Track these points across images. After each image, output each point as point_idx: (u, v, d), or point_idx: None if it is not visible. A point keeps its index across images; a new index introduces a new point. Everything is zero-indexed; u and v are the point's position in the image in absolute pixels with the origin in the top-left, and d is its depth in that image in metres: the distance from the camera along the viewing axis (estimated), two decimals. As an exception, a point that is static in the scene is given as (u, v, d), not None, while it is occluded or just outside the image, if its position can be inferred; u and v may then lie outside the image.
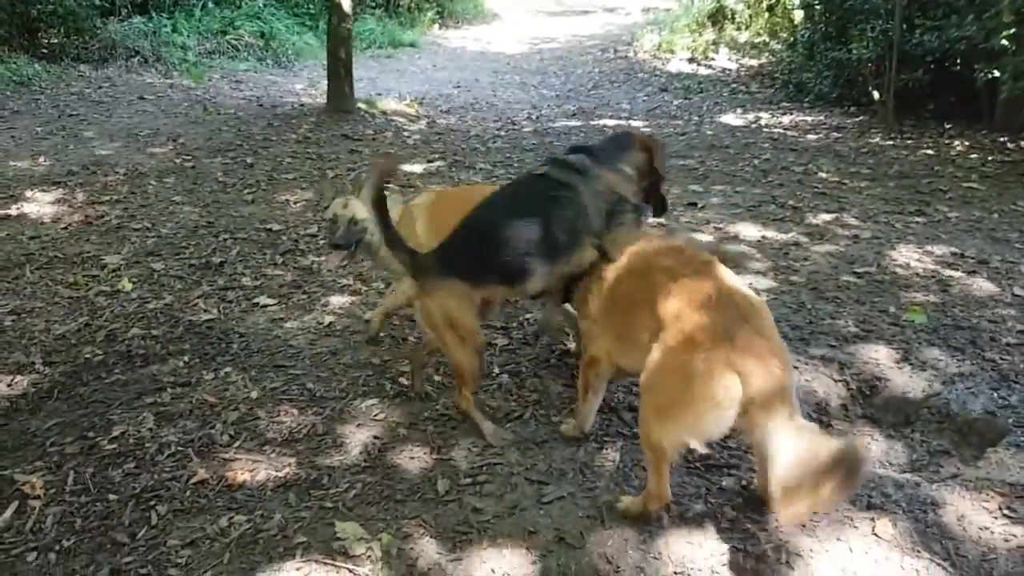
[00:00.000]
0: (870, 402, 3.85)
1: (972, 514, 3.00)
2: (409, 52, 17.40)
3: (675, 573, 2.74)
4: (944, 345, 4.25)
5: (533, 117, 11.38)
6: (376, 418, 3.65)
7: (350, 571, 2.72)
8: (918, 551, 2.80)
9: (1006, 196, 6.97)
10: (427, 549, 2.82)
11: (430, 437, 3.51)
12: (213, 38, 14.32)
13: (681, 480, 3.20)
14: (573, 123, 11.01)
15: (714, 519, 2.98)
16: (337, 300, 4.97)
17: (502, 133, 10.31)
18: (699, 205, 6.93)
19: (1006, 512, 3.04)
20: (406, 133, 9.96)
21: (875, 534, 2.88)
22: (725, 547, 2.83)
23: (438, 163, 8.49)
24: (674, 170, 8.12)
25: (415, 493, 3.13)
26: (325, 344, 4.40)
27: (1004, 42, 8.30)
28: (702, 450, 2.81)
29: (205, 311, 4.81)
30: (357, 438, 3.50)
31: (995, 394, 3.76)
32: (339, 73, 10.56)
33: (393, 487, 3.17)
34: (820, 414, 3.76)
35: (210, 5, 14.69)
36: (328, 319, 4.70)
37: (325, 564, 2.75)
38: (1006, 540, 2.88)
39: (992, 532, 2.93)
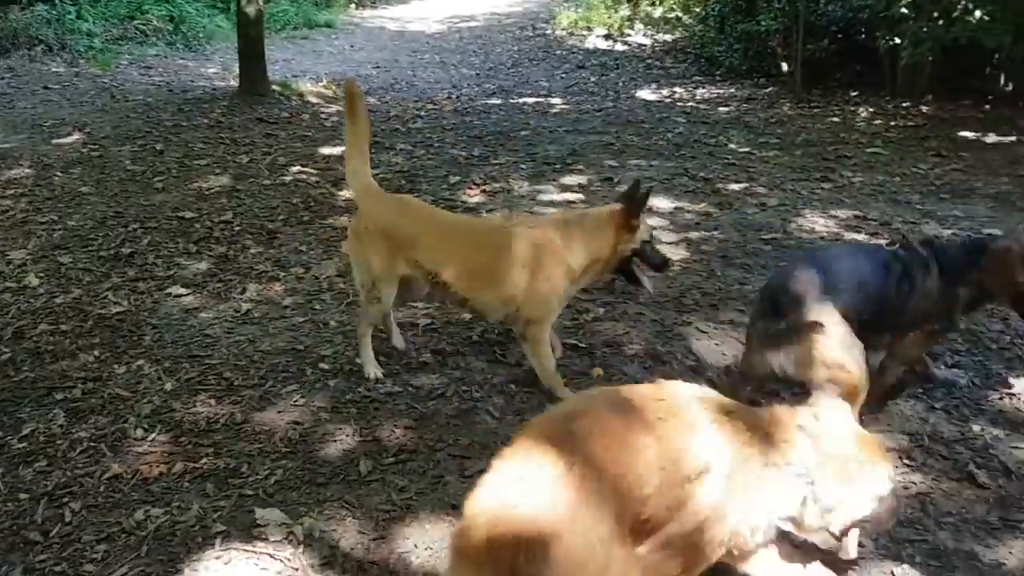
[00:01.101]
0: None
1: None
2: (326, 33, 17.09)
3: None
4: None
5: (453, 96, 11.32)
6: (296, 404, 3.63)
7: (271, 556, 2.71)
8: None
9: (907, 160, 7.28)
10: (350, 530, 2.84)
11: (352, 419, 3.51)
12: (120, 24, 13.77)
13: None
14: (493, 101, 11.01)
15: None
16: (255, 287, 4.90)
17: (422, 113, 10.24)
18: (615, 180, 7.03)
19: (906, 461, 3.22)
20: (323, 115, 9.80)
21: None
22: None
23: (357, 145, 8.38)
24: (591, 146, 8.22)
25: (337, 476, 3.14)
26: (243, 332, 4.34)
27: (904, 10, 8.62)
28: None
29: (116, 304, 4.69)
30: (277, 425, 3.48)
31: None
32: (251, 55, 10.31)
33: (314, 471, 3.17)
34: (726, 372, 3.90)
35: (116, -11, 14.16)
36: (246, 307, 4.63)
37: (245, 551, 2.74)
38: (906, 488, 3.05)
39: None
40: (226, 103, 9.90)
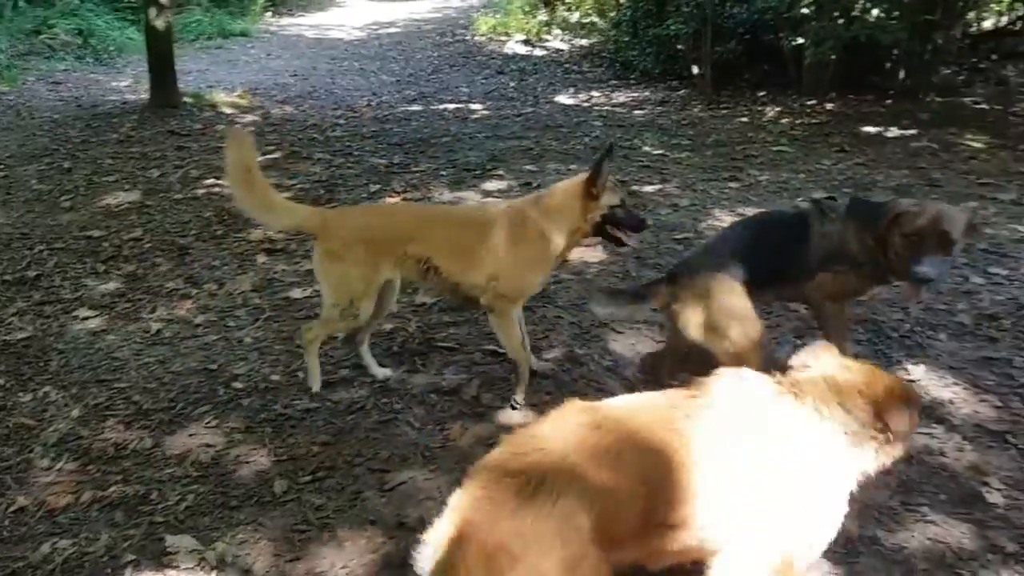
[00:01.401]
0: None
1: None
2: (241, 42, 16.79)
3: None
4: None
5: (373, 104, 11.24)
6: (209, 425, 3.57)
7: (183, 584, 2.66)
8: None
9: (811, 157, 7.53)
10: (264, 553, 2.80)
11: (267, 438, 3.46)
12: (26, 39, 13.36)
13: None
14: (414, 108, 10.97)
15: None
16: (165, 306, 4.79)
17: (341, 121, 10.14)
18: (535, 184, 7.08)
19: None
20: (238, 125, 9.63)
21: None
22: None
23: (274, 154, 8.27)
24: (511, 151, 8.27)
25: (251, 498, 3.09)
26: (153, 353, 4.24)
27: (805, 10, 8.92)
28: None
29: (20, 329, 4.53)
30: (189, 448, 3.41)
31: (798, 340, 4.10)
32: (161, 68, 10.09)
33: (227, 494, 3.12)
34: (645, 374, 3.96)
35: (21, 4, 13.67)
36: (156, 327, 4.52)
37: (156, 580, 2.68)
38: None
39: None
40: (136, 117, 9.65)
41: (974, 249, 5.15)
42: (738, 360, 3.20)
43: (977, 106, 9.66)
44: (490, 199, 6.65)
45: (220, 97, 10.74)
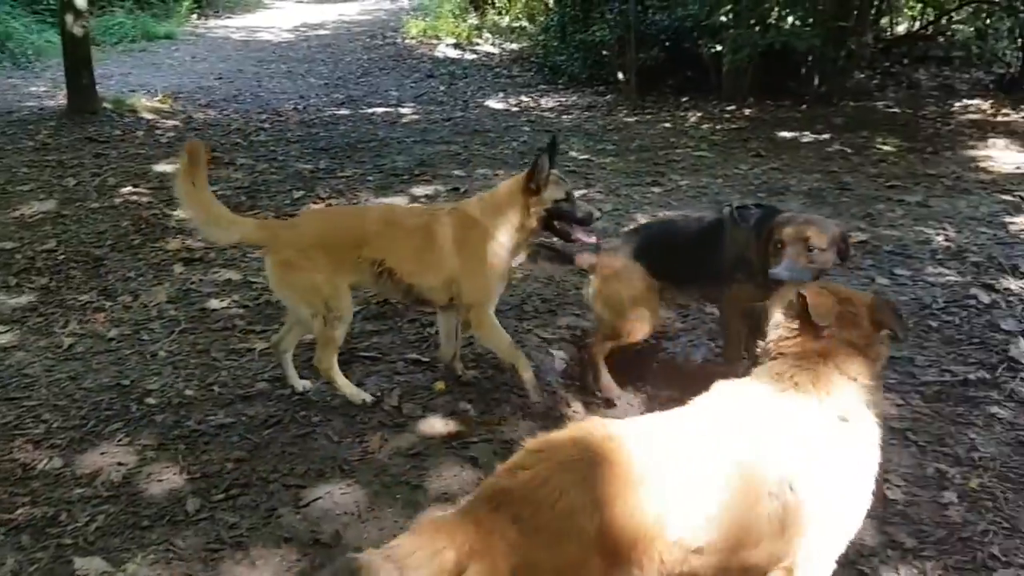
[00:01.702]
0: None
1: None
2: (166, 44, 16.44)
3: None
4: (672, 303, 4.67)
5: (300, 107, 11.12)
6: (120, 443, 3.50)
7: (90, 608, 2.62)
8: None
9: (730, 162, 7.74)
10: (176, 573, 2.77)
11: (180, 456, 3.41)
12: (-63, 45, 12.83)
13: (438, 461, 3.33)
14: (342, 112, 10.88)
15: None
16: (79, 320, 4.68)
17: (266, 125, 10.01)
18: (461, 190, 7.11)
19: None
20: (159, 131, 9.42)
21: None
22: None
23: (195, 162, 8.11)
24: (439, 156, 8.29)
25: (162, 517, 3.04)
26: (64, 369, 4.14)
27: (723, 18, 9.15)
28: None
29: (-77, 348, 4.37)
30: (99, 467, 3.34)
31: (712, 343, 4.22)
32: (79, 73, 9.78)
33: (138, 514, 3.06)
34: (567, 378, 4.03)
35: (-69, 10, 13.11)
36: (68, 341, 4.41)
37: (62, 606, 2.63)
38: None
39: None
40: (54, 123, 9.36)
41: (855, 263, 5.36)
42: (617, 337, 3.73)
43: (889, 110, 10.04)
44: (418, 204, 6.66)
45: (141, 102, 10.49)
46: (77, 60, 9.70)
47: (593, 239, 3.76)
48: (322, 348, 3.65)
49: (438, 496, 3.13)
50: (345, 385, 3.74)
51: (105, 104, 10.04)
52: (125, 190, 6.99)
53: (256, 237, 3.66)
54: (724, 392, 2.20)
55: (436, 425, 3.63)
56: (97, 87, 10.14)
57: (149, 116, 9.94)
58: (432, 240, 3.59)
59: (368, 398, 3.75)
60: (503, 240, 3.63)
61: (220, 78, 13.14)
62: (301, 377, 3.95)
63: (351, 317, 3.69)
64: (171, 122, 9.84)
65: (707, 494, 1.95)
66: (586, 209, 3.73)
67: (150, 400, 3.82)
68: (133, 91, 11.32)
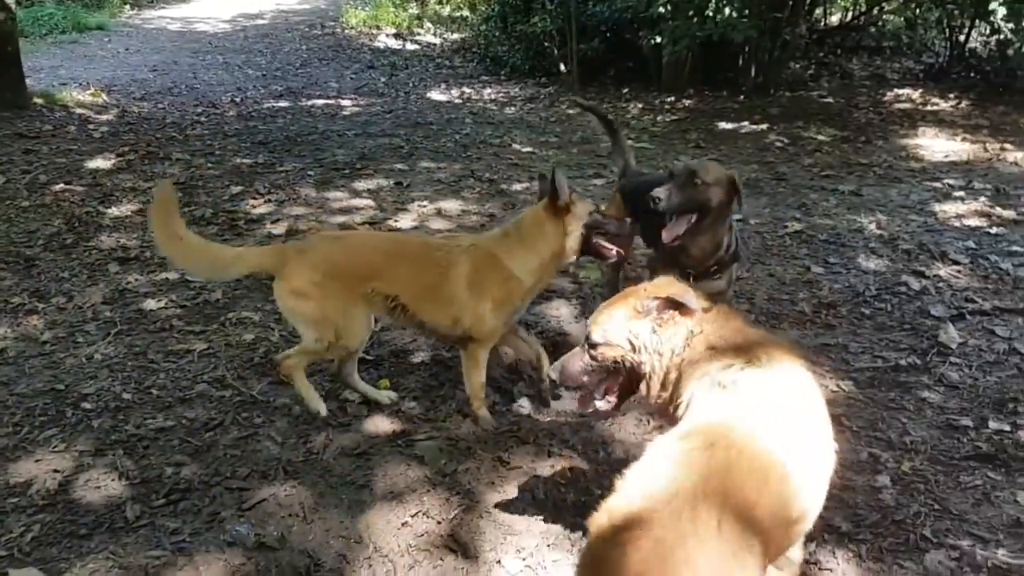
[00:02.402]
0: (554, 354, 4.18)
1: (635, 449, 3.40)
2: (98, 36, 15.97)
3: (375, 552, 2.86)
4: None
5: (237, 100, 10.92)
6: (56, 450, 3.40)
7: (27, 621, 2.55)
8: (593, 489, 3.12)
9: (671, 153, 7.84)
10: (115, 582, 2.71)
11: (119, 461, 3.33)
12: None
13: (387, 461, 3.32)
14: (281, 104, 10.72)
15: (411, 498, 3.14)
16: (10, 323, 4.53)
17: (203, 119, 9.81)
18: (405, 184, 7.08)
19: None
20: (92, 126, 9.16)
21: (555, 479, 3.19)
22: (423, 525, 3.00)
23: (129, 156, 7.91)
24: (381, 149, 8.22)
25: (101, 525, 2.97)
26: (-5, 375, 4.01)
27: (662, 9, 9.24)
28: None
29: None
30: (34, 475, 3.24)
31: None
32: (6, 67, 9.42)
33: (76, 522, 2.99)
34: (511, 373, 4.05)
35: None
36: (0, 345, 4.28)
37: (-3, 620, 2.56)
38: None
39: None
40: (-21, 119, 9.02)
41: (790, 252, 5.49)
42: None
43: (823, 100, 10.28)
44: (358, 200, 6.61)
45: (73, 96, 10.19)
46: (4, 53, 9.35)
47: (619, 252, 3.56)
48: (301, 355, 3.53)
49: (384, 495, 3.12)
50: (307, 390, 3.60)
51: (35, 99, 9.72)
52: (57, 187, 6.79)
53: (267, 264, 3.48)
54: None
55: (381, 424, 3.62)
56: (26, 80, 9.81)
57: (81, 110, 9.66)
58: (447, 277, 3.43)
59: (323, 410, 3.60)
60: (529, 276, 3.47)
61: (155, 70, 12.83)
62: (248, 379, 3.90)
63: (358, 347, 3.58)
64: (104, 116, 9.57)
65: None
66: (619, 223, 3.53)
67: (86, 404, 3.73)
68: (64, 84, 10.99)
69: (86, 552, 2.85)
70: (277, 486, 3.19)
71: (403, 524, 2.98)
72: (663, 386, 2.40)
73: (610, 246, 3.46)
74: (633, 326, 2.39)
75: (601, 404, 2.59)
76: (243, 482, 3.22)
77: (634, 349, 2.39)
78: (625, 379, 2.50)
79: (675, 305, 2.35)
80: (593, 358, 2.49)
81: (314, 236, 3.56)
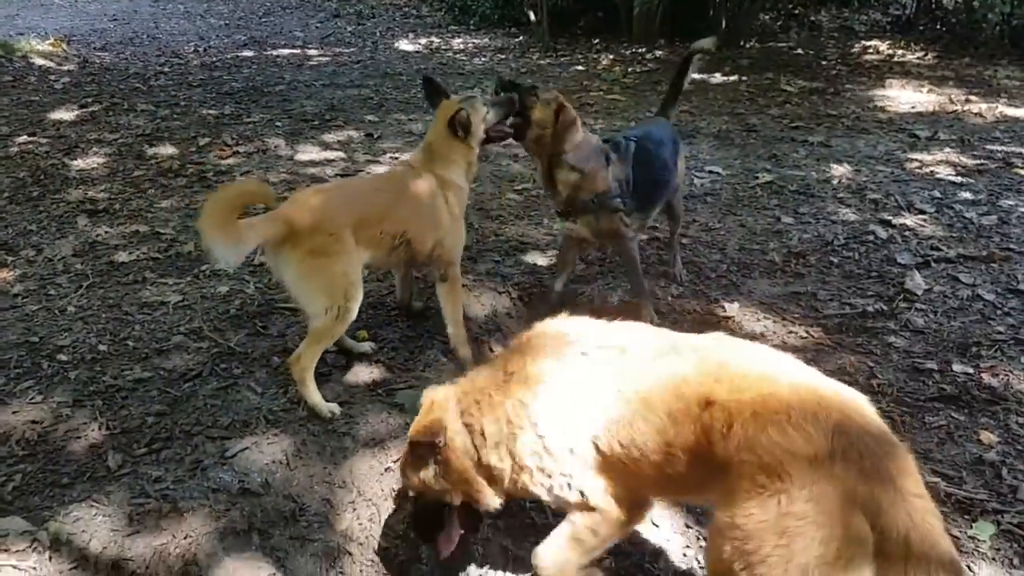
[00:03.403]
0: (530, 306, 4.24)
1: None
2: (53, -17, 15.43)
3: (359, 496, 2.91)
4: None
5: (201, 49, 10.70)
6: (33, 401, 3.39)
7: (14, 567, 2.56)
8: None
9: (642, 104, 7.83)
10: (101, 529, 2.73)
11: (98, 412, 3.33)
12: None
13: (366, 408, 3.35)
14: (245, 54, 10.52)
15: (393, 445, 3.18)
16: (-22, 277, 4.46)
17: (166, 69, 9.61)
18: (376, 135, 7.01)
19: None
20: (52, 77, 8.94)
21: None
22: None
23: (93, 107, 7.75)
24: (350, 100, 8.12)
25: (83, 474, 2.99)
26: (-34, 329, 3.96)
27: (633, -40, 9.18)
28: None
29: None
30: (12, 427, 3.23)
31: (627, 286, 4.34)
32: (-45, 11, 9.13)
33: (58, 472, 3.00)
34: (489, 324, 4.09)
35: None
36: (-32, 300, 4.22)
37: (-16, 567, 2.58)
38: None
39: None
40: (-66, 69, 8.75)
41: (761, 203, 5.55)
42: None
43: (792, 51, 10.31)
44: (328, 152, 6.55)
45: (32, 46, 9.89)
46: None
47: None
48: (314, 344, 3.31)
49: (367, 442, 3.17)
50: (313, 393, 3.35)
51: (-9, 49, 9.44)
52: (20, 139, 6.64)
53: (273, 232, 3.13)
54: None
55: (361, 374, 3.64)
56: (-20, 29, 9.51)
57: (41, 61, 9.41)
58: (435, 202, 3.53)
59: (337, 410, 3.36)
60: (464, 184, 3.68)
61: (114, 20, 12.51)
62: (224, 330, 3.89)
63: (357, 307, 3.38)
64: (65, 67, 9.35)
65: None
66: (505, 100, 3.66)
67: (62, 356, 3.70)
68: (22, 34, 10.67)
69: (69, 500, 2.86)
70: (259, 435, 3.21)
71: (386, 470, 3.03)
72: (480, 483, 2.37)
73: (500, 133, 3.70)
74: (421, 476, 2.38)
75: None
76: (224, 431, 3.24)
77: (436, 488, 2.39)
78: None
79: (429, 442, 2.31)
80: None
81: (303, 193, 3.40)
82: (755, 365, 2.06)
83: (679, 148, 4.25)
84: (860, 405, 1.98)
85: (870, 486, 1.74)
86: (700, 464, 1.98)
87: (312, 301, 3.26)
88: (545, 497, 2.28)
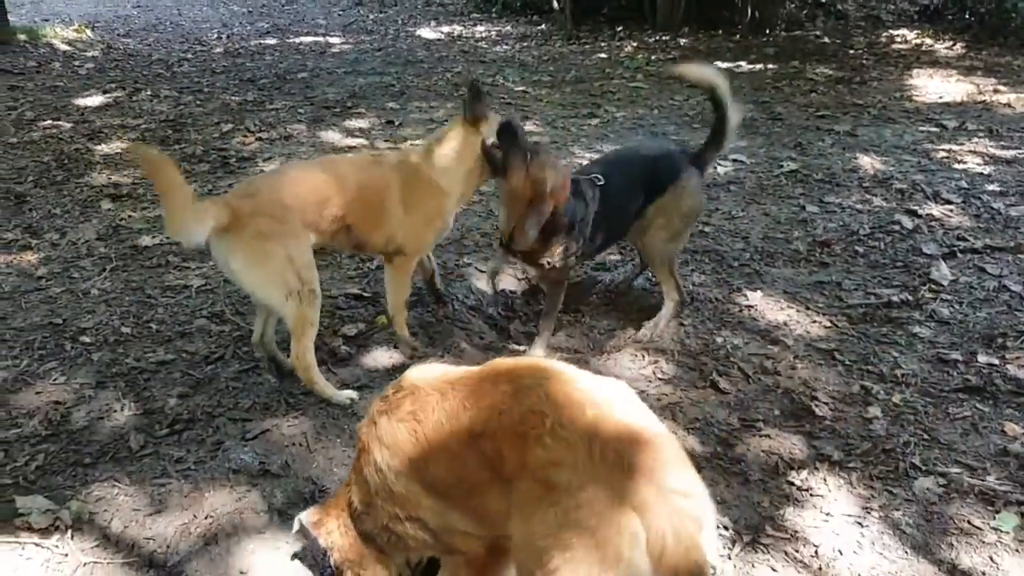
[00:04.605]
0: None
1: (632, 383, 3.45)
2: (77, -31, 15.54)
3: (378, 482, 2.91)
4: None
5: (224, 36, 10.74)
6: (56, 382, 3.42)
7: (36, 545, 2.59)
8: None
9: (665, 92, 7.77)
10: (123, 509, 2.75)
11: (121, 393, 3.36)
12: None
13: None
14: (268, 41, 10.54)
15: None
16: (4, 258, 4.50)
17: (189, 56, 9.64)
18: (397, 123, 7.00)
19: (659, 375, 3.54)
20: (77, 62, 9.00)
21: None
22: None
23: (116, 93, 7.80)
24: (372, 88, 8.12)
25: (105, 454, 3.01)
26: (-8, 310, 4.00)
27: (658, -52, 9.10)
28: None
29: None
30: (36, 406, 3.27)
31: (644, 277, 4.31)
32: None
33: (80, 452, 3.02)
34: (507, 309, 4.08)
35: None
36: (-6, 281, 4.26)
37: (8, 544, 2.59)
38: (659, 400, 3.37)
39: (648, 393, 3.40)
40: (-40, 54, 8.84)
41: (786, 192, 5.50)
42: None
43: (819, 40, 10.18)
44: (350, 139, 6.55)
45: (56, 31, 9.97)
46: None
47: None
48: (300, 337, 3.23)
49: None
50: (325, 388, 3.33)
51: (18, 34, 9.52)
52: (44, 124, 6.70)
53: (231, 213, 3.04)
54: None
55: (380, 358, 3.65)
56: (8, 16, 9.59)
57: (65, 47, 9.48)
58: (385, 195, 3.39)
59: (355, 395, 3.35)
60: (456, 189, 3.50)
61: (138, 6, 12.59)
62: (246, 314, 3.90)
63: (320, 292, 3.30)
64: (89, 53, 9.41)
65: None
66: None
67: (85, 338, 3.73)
68: (46, 20, 10.77)
69: (91, 480, 2.89)
70: (279, 417, 3.23)
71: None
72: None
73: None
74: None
75: None
76: (245, 413, 3.26)
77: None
78: None
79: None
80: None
81: (248, 181, 3.39)
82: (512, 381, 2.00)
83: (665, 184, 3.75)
84: (616, 397, 1.91)
85: (634, 483, 1.70)
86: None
87: (269, 293, 3.15)
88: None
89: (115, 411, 3.25)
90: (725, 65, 8.80)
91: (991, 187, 5.37)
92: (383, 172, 3.43)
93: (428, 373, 2.19)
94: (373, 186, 3.40)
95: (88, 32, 10.34)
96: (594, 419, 1.81)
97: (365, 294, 4.20)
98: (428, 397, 2.06)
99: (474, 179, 3.56)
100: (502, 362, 2.16)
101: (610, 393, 1.93)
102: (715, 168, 5.77)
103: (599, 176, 3.66)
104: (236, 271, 3.12)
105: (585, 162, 5.83)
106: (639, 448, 1.76)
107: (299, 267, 3.15)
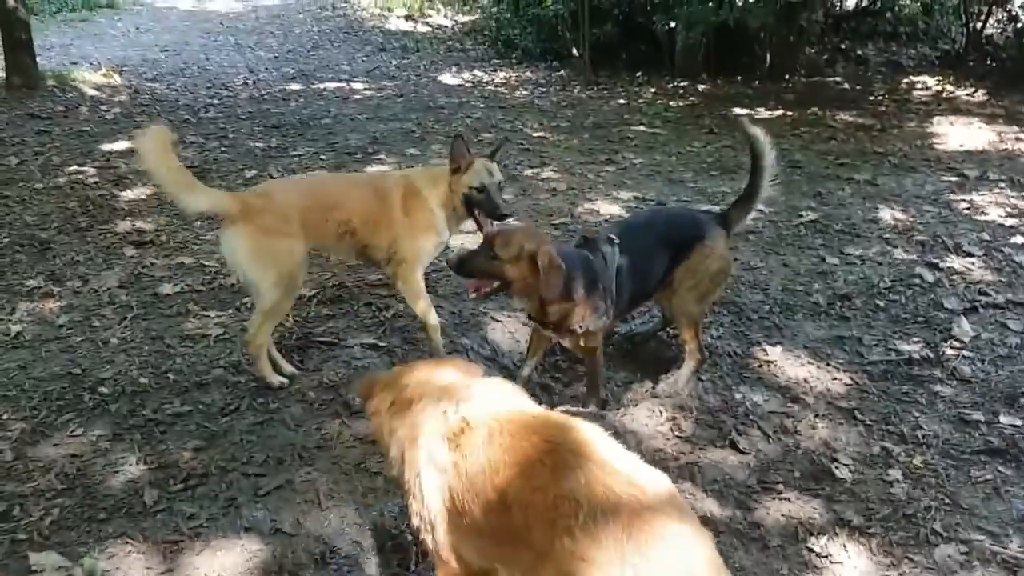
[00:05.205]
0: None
1: (649, 440, 3.42)
2: (108, 14, 15.99)
3: (389, 539, 2.89)
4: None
5: (250, 82, 10.91)
6: (74, 434, 3.43)
7: (48, 604, 2.59)
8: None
9: (684, 139, 7.80)
10: (135, 566, 2.74)
11: (136, 446, 3.37)
12: None
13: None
14: (293, 87, 10.70)
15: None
16: (26, 306, 4.56)
17: (215, 101, 9.80)
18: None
19: (677, 433, 3.50)
20: (104, 107, 9.17)
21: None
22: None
23: (143, 139, 7.92)
24: (393, 134, 8.21)
25: (120, 509, 3.01)
26: (13, 358, 4.03)
27: (677, -6, 9.21)
28: None
29: None
30: (52, 459, 3.27)
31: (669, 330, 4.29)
32: (16, 46, 9.43)
33: (95, 506, 3.02)
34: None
35: None
36: (15, 329, 4.30)
37: (19, 603, 2.60)
38: (676, 459, 3.33)
39: (665, 452, 3.36)
40: (-9, 99, 9.04)
41: (805, 242, 5.46)
42: None
43: (838, 86, 10.21)
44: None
45: (84, 76, 10.19)
46: (15, 34, 9.36)
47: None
48: (265, 321, 3.69)
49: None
50: (265, 367, 3.78)
51: (47, 79, 9.73)
52: (70, 169, 6.81)
53: (225, 207, 3.56)
54: None
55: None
56: (37, 60, 9.82)
57: (93, 91, 9.66)
58: (388, 205, 3.86)
59: (285, 380, 3.81)
60: (438, 211, 3.91)
61: (166, 51, 12.83)
62: (237, 364, 3.91)
63: (298, 290, 3.85)
64: (117, 97, 9.59)
65: None
66: (495, 204, 3.85)
67: (103, 389, 3.75)
68: (75, 64, 11.00)
69: (104, 536, 2.88)
70: (292, 472, 3.22)
71: (417, 512, 3.00)
72: None
73: (479, 219, 3.87)
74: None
75: None
76: (259, 468, 3.25)
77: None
78: None
79: None
80: None
81: (265, 183, 3.96)
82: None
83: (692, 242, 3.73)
84: (655, 495, 1.90)
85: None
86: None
87: (264, 276, 3.60)
88: None
89: (131, 464, 3.25)
90: (742, 111, 8.84)
91: (1013, 240, 5.32)
92: (395, 185, 3.93)
93: (492, 392, 2.30)
94: (377, 193, 3.90)
95: (116, 76, 10.55)
96: (629, 522, 1.78)
97: (380, 344, 4.20)
98: (476, 432, 2.12)
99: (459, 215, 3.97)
100: (554, 418, 2.20)
101: (652, 490, 1.90)
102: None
103: (614, 236, 3.64)
104: (240, 257, 3.60)
105: (601, 210, 5.87)
106: (669, 554, 1.75)
107: (293, 263, 3.64)
